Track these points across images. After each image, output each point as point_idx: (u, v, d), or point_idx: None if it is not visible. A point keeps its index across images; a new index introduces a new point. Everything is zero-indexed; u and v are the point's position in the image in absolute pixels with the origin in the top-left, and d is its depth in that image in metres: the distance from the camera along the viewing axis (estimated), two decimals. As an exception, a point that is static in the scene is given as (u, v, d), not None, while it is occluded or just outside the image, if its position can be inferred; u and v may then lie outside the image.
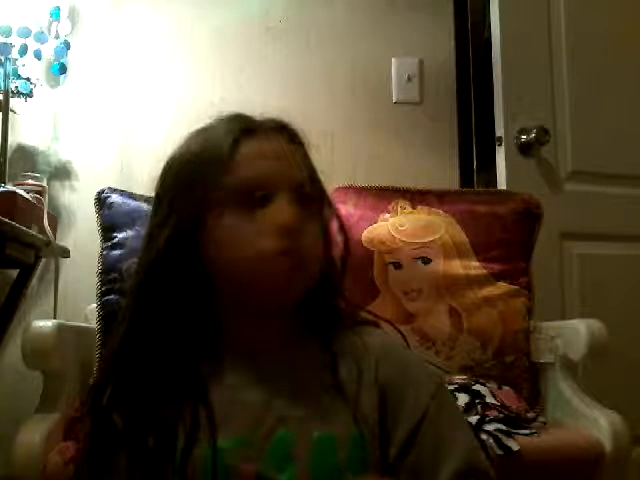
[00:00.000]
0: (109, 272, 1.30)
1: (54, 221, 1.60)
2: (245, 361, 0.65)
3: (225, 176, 0.64)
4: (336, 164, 1.71)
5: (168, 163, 0.73)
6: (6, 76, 1.55)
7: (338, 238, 0.71)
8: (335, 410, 0.62)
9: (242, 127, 0.67)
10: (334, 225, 0.71)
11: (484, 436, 1.04)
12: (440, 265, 1.37)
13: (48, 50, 1.62)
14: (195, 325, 0.65)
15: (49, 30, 1.62)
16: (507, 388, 1.26)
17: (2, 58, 1.55)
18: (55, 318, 1.48)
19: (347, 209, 1.41)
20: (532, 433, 1.11)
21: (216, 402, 0.62)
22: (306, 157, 0.69)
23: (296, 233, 0.63)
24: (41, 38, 1.58)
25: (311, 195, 0.67)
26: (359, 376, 0.64)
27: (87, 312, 1.36)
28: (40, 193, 1.55)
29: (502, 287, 1.37)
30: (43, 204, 1.53)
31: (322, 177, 0.71)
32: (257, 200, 0.63)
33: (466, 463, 0.60)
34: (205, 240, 0.64)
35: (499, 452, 1.02)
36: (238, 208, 0.63)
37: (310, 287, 0.65)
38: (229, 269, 0.64)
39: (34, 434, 1.01)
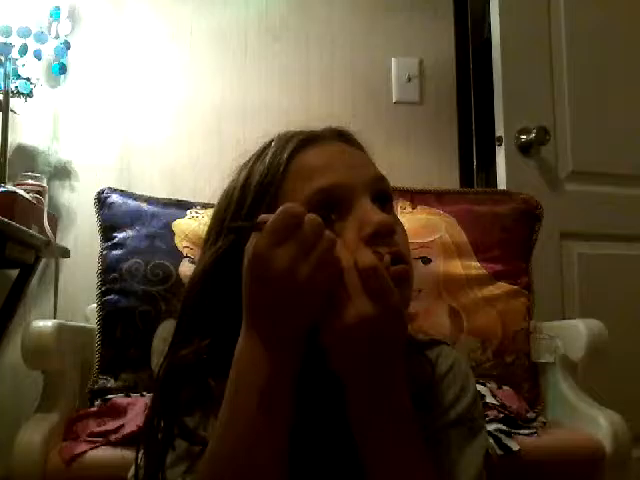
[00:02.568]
0: (109, 272, 1.30)
1: (54, 221, 1.60)
2: None
3: (291, 191, 0.60)
4: (336, 164, 1.71)
5: (227, 191, 0.68)
6: (6, 76, 1.55)
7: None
8: None
9: (300, 139, 0.64)
10: None
11: (484, 436, 1.04)
12: (440, 265, 1.37)
13: (48, 50, 1.62)
14: None
15: (49, 30, 1.62)
16: (507, 388, 1.27)
17: (2, 58, 1.56)
18: (55, 318, 1.48)
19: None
20: (532, 433, 1.11)
21: None
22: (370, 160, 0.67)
23: (393, 235, 0.58)
24: (41, 38, 1.58)
25: (387, 192, 0.63)
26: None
27: (87, 312, 1.36)
28: (40, 193, 1.55)
29: (502, 287, 1.37)
30: (43, 204, 1.53)
31: None
32: (336, 209, 0.59)
33: None
34: None
35: (499, 452, 1.02)
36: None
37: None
38: None
39: (34, 434, 1.01)
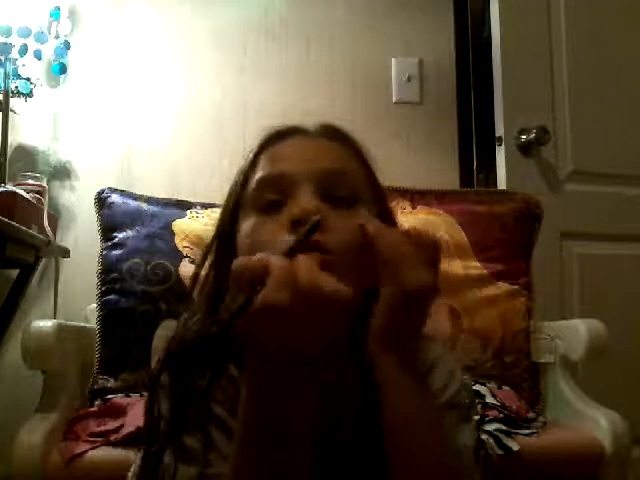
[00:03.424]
0: (109, 272, 1.30)
1: (54, 221, 1.60)
2: None
3: (249, 181, 0.63)
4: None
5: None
6: (6, 76, 1.55)
7: None
8: None
9: (273, 133, 0.66)
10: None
11: (484, 436, 1.04)
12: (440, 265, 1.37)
13: (48, 50, 1.62)
14: None
15: (49, 30, 1.62)
16: (507, 388, 1.27)
17: (2, 58, 1.55)
18: (55, 318, 1.48)
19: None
20: (532, 433, 1.11)
21: None
22: (347, 156, 0.65)
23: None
24: (41, 38, 1.58)
25: (342, 189, 0.61)
26: None
27: (87, 312, 1.36)
28: (40, 193, 1.55)
29: (502, 287, 1.37)
30: (43, 204, 1.53)
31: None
32: (274, 201, 0.60)
33: None
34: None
35: (499, 452, 1.02)
36: (258, 212, 0.61)
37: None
38: None
39: (34, 434, 1.01)
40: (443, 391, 0.63)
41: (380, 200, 0.67)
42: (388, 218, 0.67)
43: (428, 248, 0.56)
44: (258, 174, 0.62)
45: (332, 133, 0.68)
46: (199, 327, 0.62)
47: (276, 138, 0.66)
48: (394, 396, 0.56)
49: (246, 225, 0.61)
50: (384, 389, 0.56)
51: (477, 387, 1.20)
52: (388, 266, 0.55)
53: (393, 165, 1.80)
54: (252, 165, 0.64)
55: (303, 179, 0.60)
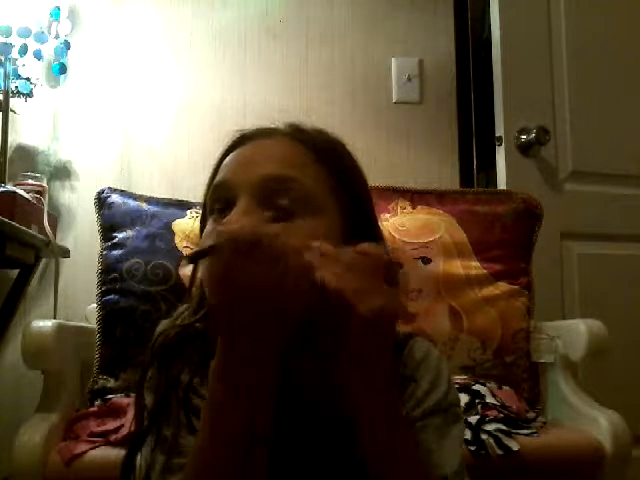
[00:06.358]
0: (109, 272, 1.30)
1: (54, 221, 1.60)
2: None
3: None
4: (336, 164, 1.71)
5: None
6: (6, 76, 1.55)
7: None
8: None
9: (234, 140, 0.66)
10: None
11: (484, 436, 1.05)
12: (440, 265, 1.37)
13: (48, 50, 1.62)
14: None
15: (49, 30, 1.62)
16: (507, 388, 1.27)
17: (2, 58, 1.55)
18: (55, 318, 1.48)
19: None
20: (532, 433, 1.11)
21: None
22: (306, 160, 0.61)
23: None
24: (41, 38, 1.58)
25: (287, 196, 0.57)
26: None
27: (87, 312, 1.36)
28: (40, 193, 1.55)
29: (502, 287, 1.37)
30: (43, 204, 1.53)
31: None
32: (222, 208, 0.60)
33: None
34: None
35: (499, 452, 1.02)
36: (212, 218, 0.61)
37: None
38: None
39: (34, 434, 1.01)
40: (429, 395, 0.62)
41: (353, 207, 0.62)
42: (365, 226, 0.63)
43: (384, 267, 0.51)
44: (215, 180, 0.63)
45: (298, 135, 0.64)
46: (185, 323, 0.65)
47: (239, 142, 0.65)
48: (371, 423, 0.54)
49: (205, 230, 0.63)
50: (360, 417, 0.55)
51: (477, 387, 1.20)
52: (336, 296, 0.49)
53: (393, 165, 1.80)
54: (216, 169, 0.65)
55: (241, 187, 0.58)
